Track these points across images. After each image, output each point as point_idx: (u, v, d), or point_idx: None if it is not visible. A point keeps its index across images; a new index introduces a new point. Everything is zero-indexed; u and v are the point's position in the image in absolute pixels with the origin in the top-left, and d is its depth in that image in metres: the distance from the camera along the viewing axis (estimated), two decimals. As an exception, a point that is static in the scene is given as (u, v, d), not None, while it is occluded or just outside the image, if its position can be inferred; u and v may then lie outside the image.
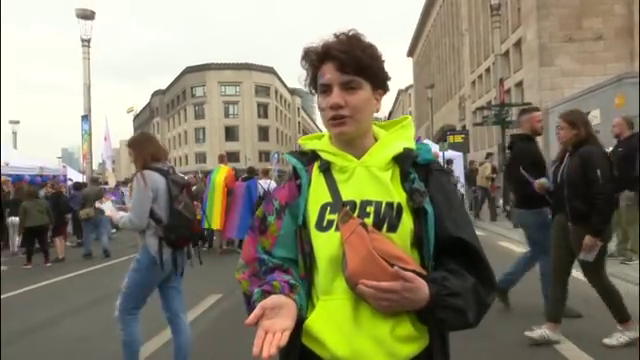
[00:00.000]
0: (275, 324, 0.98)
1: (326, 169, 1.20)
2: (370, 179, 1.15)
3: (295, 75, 1.30)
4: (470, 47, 37.18)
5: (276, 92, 69.93)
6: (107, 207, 3.31)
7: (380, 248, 1.06)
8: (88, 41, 18.96)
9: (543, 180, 4.02)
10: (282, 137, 71.46)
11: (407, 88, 75.80)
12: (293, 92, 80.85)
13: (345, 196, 1.15)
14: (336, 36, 1.16)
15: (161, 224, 3.09)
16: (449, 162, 15.71)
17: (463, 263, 1.12)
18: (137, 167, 3.21)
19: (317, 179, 1.20)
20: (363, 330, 1.09)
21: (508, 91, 26.88)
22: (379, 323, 1.08)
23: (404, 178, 1.16)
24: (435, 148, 15.88)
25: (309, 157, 1.25)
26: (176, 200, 3.14)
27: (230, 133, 64.94)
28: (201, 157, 64.12)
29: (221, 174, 9.66)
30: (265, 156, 59.98)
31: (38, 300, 6.66)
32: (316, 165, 1.22)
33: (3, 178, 11.08)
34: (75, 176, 17.07)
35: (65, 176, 15.59)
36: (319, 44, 1.17)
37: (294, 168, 1.24)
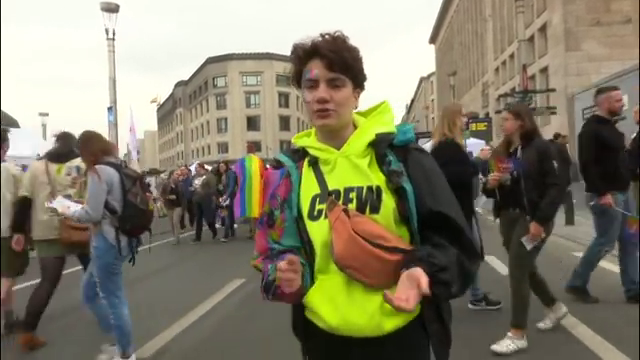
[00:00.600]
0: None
1: (314, 163, 1.30)
2: (350, 167, 1.25)
3: None
4: (494, 33, 36.45)
5: (297, 81, 69.90)
6: (58, 204, 3.33)
7: (363, 229, 1.16)
8: (113, 34, 19.32)
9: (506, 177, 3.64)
10: (303, 126, 71.57)
11: (429, 75, 74.71)
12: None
13: (331, 186, 1.26)
14: (322, 36, 1.25)
15: (116, 215, 3.27)
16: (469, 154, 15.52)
17: (445, 236, 1.20)
18: (87, 163, 3.35)
19: (307, 173, 1.31)
20: (355, 304, 1.20)
21: (532, 77, 26.35)
22: (370, 298, 1.19)
23: (381, 161, 1.24)
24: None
25: (300, 154, 1.35)
26: (129, 192, 3.32)
27: (252, 123, 65.40)
28: (223, 147, 64.82)
29: (255, 163, 9.74)
30: (287, 145, 60.25)
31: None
32: (306, 161, 1.33)
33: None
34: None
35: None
36: (307, 42, 1.25)
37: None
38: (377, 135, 1.25)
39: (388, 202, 1.21)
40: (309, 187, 1.28)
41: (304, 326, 1.32)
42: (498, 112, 20.44)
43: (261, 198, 9.50)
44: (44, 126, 30.08)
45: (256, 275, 1.30)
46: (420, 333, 1.25)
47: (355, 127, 1.31)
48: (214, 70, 66.93)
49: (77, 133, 3.67)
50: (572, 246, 7.35)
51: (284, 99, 67.16)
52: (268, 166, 10.60)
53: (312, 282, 1.28)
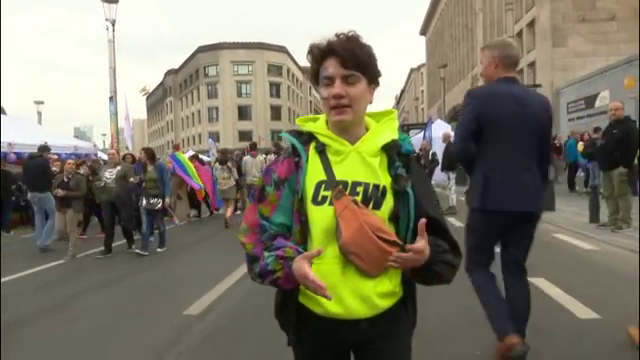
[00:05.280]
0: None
1: (322, 150, 1.35)
2: (361, 163, 1.33)
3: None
4: (484, 26, 37.18)
5: (288, 71, 70.19)
6: None
7: (367, 221, 1.26)
8: (113, 24, 19.65)
9: None
10: (294, 116, 71.90)
11: (419, 67, 75.42)
12: (305, 71, 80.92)
13: (338, 176, 1.32)
14: (337, 36, 1.31)
15: None
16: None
17: (435, 235, 1.35)
18: None
19: (313, 158, 1.36)
20: (350, 289, 1.30)
21: (521, 71, 27.19)
22: (364, 282, 1.30)
23: (390, 165, 1.35)
24: (447, 128, 16.36)
25: (305, 138, 1.39)
26: None
27: (243, 112, 65.61)
28: (214, 136, 65.06)
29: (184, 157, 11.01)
30: (278, 135, 60.55)
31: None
32: (312, 145, 1.37)
33: (53, 156, 11.72)
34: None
35: (96, 155, 16.50)
36: (323, 42, 1.32)
37: (293, 146, 1.39)
38: (393, 140, 1.36)
39: (389, 201, 1.32)
40: (314, 172, 1.33)
41: (296, 310, 1.38)
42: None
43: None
44: (39, 114, 30.27)
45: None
46: (403, 312, 1.41)
47: (367, 128, 1.40)
48: (205, 59, 66.81)
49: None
50: (553, 229, 8.19)
51: (275, 89, 67.42)
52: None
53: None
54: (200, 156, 16.46)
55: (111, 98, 19.53)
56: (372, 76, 1.35)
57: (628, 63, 17.86)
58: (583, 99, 21.24)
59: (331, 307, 1.29)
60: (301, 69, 78.36)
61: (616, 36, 23.63)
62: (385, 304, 1.34)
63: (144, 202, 7.70)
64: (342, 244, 1.26)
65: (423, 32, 68.02)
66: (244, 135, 61.57)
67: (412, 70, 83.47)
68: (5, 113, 19.19)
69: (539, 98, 3.04)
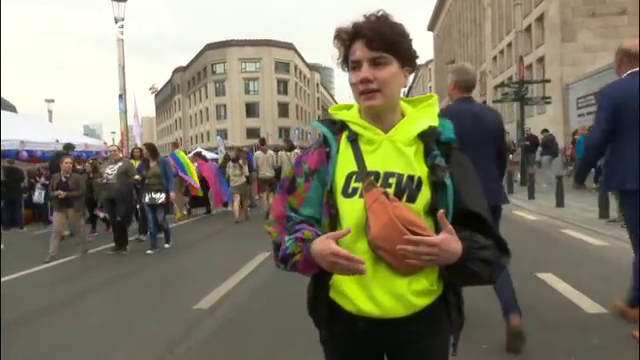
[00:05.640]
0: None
1: (354, 140, 1.27)
2: (395, 153, 1.24)
3: (314, 51, 1.44)
4: (492, 21, 36.92)
5: (295, 68, 70.17)
6: None
7: (399, 215, 1.16)
8: (121, 23, 19.78)
9: None
10: (301, 113, 71.96)
11: (427, 63, 75.05)
12: (312, 68, 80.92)
13: (370, 166, 1.24)
14: (365, 17, 1.22)
15: None
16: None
17: (476, 232, 1.22)
18: None
19: (345, 148, 1.28)
20: (383, 287, 1.21)
21: (529, 67, 26.97)
22: (397, 280, 1.21)
23: (427, 154, 1.25)
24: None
25: (338, 127, 1.31)
26: None
27: (250, 109, 65.74)
28: (222, 134, 65.24)
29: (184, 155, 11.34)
30: (285, 132, 60.79)
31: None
32: (344, 135, 1.29)
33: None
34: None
35: (107, 152, 16.65)
36: (349, 25, 1.24)
37: (324, 136, 1.32)
38: (430, 127, 1.26)
39: (425, 194, 1.22)
40: (345, 163, 1.26)
41: (328, 308, 1.30)
42: (496, 102, 21.11)
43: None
44: (50, 112, 30.59)
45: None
46: (443, 311, 1.29)
47: (402, 114, 1.31)
48: (213, 56, 66.99)
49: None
50: (561, 225, 8.15)
51: (283, 86, 67.44)
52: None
53: None
54: (203, 153, 16.71)
55: (120, 96, 19.68)
56: (405, 57, 1.24)
57: (639, 57, 17.65)
58: (592, 94, 21.02)
59: (364, 305, 1.23)
60: (308, 66, 78.30)
61: (627, 30, 23.32)
62: (422, 302, 1.24)
63: (147, 198, 7.62)
64: (371, 239, 1.19)
65: (431, 28, 67.68)
66: (252, 132, 61.69)
67: (420, 66, 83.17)
68: (16, 111, 19.39)
69: (492, 113, 3.63)
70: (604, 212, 8.04)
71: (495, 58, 36.81)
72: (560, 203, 9.84)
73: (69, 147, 10.22)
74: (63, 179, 7.39)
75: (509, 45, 32.61)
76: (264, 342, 3.58)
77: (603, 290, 4.32)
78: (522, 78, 16.77)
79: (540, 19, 27.59)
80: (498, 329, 3.20)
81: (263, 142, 12.99)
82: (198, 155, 14.21)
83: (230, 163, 11.70)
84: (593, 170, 14.17)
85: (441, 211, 1.12)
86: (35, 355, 3.63)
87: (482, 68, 40.37)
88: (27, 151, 12.76)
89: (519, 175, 15.66)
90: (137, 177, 7.91)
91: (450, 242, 1.11)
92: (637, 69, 3.32)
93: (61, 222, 7.54)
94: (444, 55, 54.64)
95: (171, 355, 3.43)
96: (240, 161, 11.51)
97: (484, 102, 33.23)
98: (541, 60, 27.67)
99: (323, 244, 1.14)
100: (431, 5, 65.42)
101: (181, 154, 12.47)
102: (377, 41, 1.19)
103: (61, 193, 7.23)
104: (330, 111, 1.38)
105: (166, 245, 7.93)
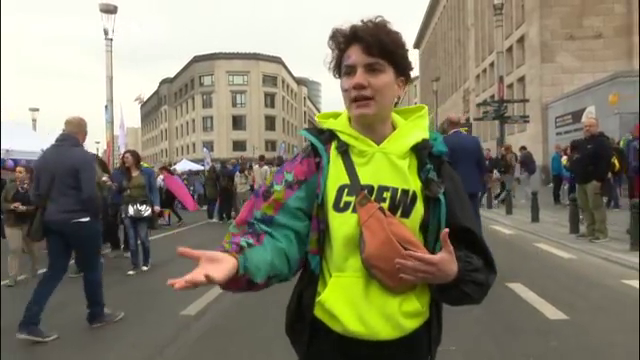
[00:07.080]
0: (202, 269, 1.06)
1: (344, 151, 1.21)
2: (388, 166, 1.18)
3: (302, 65, 1.42)
4: (475, 41, 37.92)
5: (283, 82, 70.75)
6: None
7: (395, 231, 1.11)
8: (110, 34, 19.96)
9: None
10: (288, 127, 72.40)
11: (413, 79, 76.27)
12: (299, 82, 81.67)
13: (363, 180, 1.17)
14: (363, 22, 1.18)
15: None
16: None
17: (469, 249, 1.19)
18: None
19: (335, 160, 1.21)
20: (373, 306, 1.15)
21: (510, 86, 27.77)
22: (388, 300, 1.15)
23: (420, 168, 1.20)
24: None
25: (326, 136, 1.25)
26: None
27: (237, 122, 65.93)
28: (209, 145, 65.26)
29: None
30: (271, 145, 61.13)
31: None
32: (334, 145, 1.23)
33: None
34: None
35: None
36: (346, 27, 1.18)
37: (313, 146, 1.25)
38: (423, 140, 1.21)
39: (419, 209, 1.17)
40: (336, 175, 1.19)
41: (311, 325, 1.22)
42: (477, 119, 21.69)
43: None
44: (34, 121, 30.43)
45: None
46: (425, 334, 1.24)
47: (393, 126, 1.26)
48: (200, 69, 67.22)
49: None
50: (535, 238, 8.52)
51: (270, 99, 67.87)
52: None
53: (321, 273, 1.22)
54: (180, 165, 17.34)
55: (106, 107, 19.79)
56: (400, 66, 1.20)
57: (613, 80, 18.41)
58: (570, 114, 21.77)
59: (351, 325, 1.15)
60: (296, 80, 78.94)
61: (602, 53, 24.26)
62: (410, 326, 1.18)
63: (130, 210, 6.81)
64: (365, 257, 1.12)
65: (417, 45, 68.97)
66: (238, 145, 61.90)
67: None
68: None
69: (473, 139, 6.68)
70: (574, 227, 8.45)
71: (478, 77, 37.72)
72: (535, 218, 10.24)
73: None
74: (20, 189, 6.35)
75: (491, 64, 33.47)
76: (247, 346, 3.79)
77: (566, 299, 4.65)
78: (502, 97, 17.33)
79: (521, 40, 28.47)
80: (464, 329, 3.47)
81: (262, 158, 15.18)
82: (164, 169, 14.70)
83: (237, 173, 13.64)
84: (568, 186, 14.78)
85: (445, 230, 1.07)
86: (27, 358, 3.78)
87: (466, 86, 41.29)
88: (12, 160, 12.80)
89: (499, 190, 16.12)
90: (105, 179, 6.57)
91: (448, 263, 1.07)
92: (457, 129, 6.21)
93: (19, 239, 6.35)
94: (430, 72, 55.71)
95: (160, 357, 3.62)
96: (246, 172, 13.53)
97: (467, 119, 34.03)
98: (522, 80, 28.49)
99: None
100: (417, 24, 66.88)
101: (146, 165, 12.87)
102: (374, 47, 1.15)
103: (20, 207, 6.07)
104: (317, 119, 1.33)
105: (144, 267, 6.98)
